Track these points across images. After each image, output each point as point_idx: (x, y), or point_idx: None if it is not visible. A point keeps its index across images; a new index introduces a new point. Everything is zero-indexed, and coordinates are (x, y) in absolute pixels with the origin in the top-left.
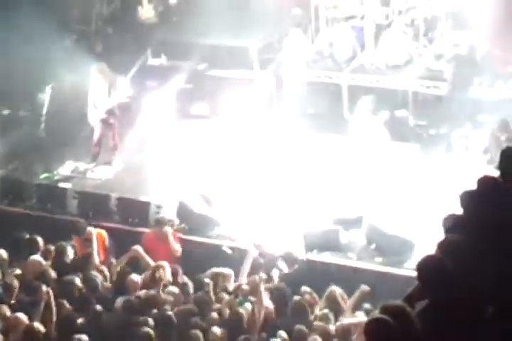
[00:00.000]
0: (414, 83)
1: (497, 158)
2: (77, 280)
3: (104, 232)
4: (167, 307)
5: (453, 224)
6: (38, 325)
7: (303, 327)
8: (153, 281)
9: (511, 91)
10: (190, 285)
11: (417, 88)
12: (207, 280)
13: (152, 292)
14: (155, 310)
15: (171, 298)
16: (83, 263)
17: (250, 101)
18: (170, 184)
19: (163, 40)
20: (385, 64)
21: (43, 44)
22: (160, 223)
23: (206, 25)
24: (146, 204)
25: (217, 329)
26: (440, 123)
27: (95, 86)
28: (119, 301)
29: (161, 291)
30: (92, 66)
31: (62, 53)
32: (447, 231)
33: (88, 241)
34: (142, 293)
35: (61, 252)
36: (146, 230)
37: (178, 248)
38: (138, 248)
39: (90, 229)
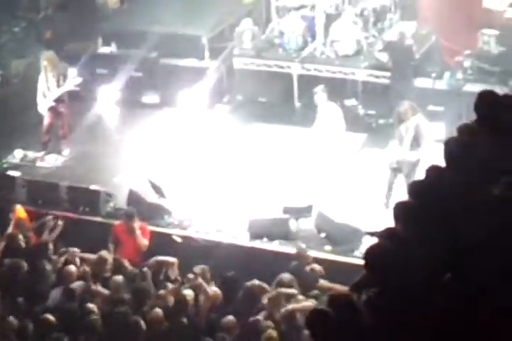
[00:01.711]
0: (363, 73)
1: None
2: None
3: (21, 209)
4: (86, 296)
5: (402, 211)
6: None
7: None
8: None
9: (459, 82)
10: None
11: (366, 78)
12: (145, 269)
13: (82, 284)
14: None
15: (104, 291)
16: (36, 252)
17: (201, 91)
18: (120, 173)
19: (114, 28)
20: (335, 53)
21: None
22: (129, 216)
23: (157, 13)
24: (96, 193)
25: (158, 310)
26: (389, 112)
27: (44, 74)
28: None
29: (91, 283)
30: (41, 54)
31: (11, 41)
32: (396, 217)
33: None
34: (75, 284)
35: (12, 240)
36: (96, 218)
37: (145, 242)
38: (75, 250)
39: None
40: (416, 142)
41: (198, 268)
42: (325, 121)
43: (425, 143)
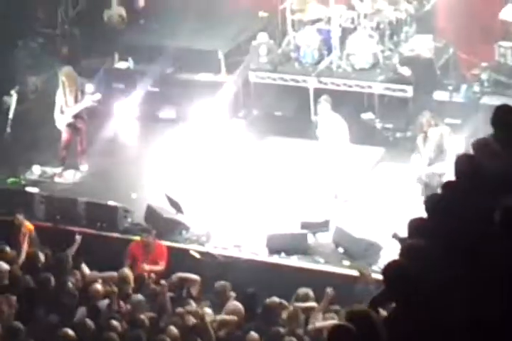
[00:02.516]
0: (380, 86)
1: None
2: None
3: (30, 225)
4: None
5: (417, 227)
6: None
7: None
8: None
9: (476, 94)
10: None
11: (383, 91)
12: (163, 281)
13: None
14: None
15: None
16: (58, 266)
17: (218, 105)
18: (138, 188)
19: (130, 43)
20: (351, 67)
21: (8, 47)
22: (145, 233)
23: (173, 28)
24: (113, 209)
25: (173, 328)
26: (406, 126)
27: (62, 90)
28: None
29: (115, 301)
30: (58, 69)
31: (28, 56)
32: (410, 234)
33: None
34: (101, 302)
35: (33, 258)
36: (114, 234)
37: (161, 267)
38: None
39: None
40: (440, 153)
41: (200, 308)
42: (328, 131)
43: (449, 154)
